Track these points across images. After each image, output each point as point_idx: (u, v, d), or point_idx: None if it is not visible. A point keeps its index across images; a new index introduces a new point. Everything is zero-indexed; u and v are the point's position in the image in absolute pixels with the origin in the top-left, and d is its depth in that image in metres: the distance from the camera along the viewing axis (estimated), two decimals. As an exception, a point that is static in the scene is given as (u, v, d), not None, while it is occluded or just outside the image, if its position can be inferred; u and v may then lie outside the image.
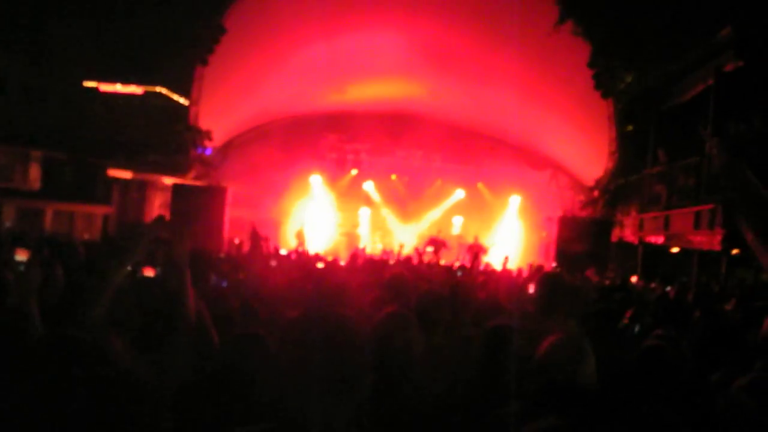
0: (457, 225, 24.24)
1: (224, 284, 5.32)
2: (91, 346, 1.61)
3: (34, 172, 17.51)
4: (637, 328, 4.98)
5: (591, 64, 16.56)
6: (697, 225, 13.45)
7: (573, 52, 16.42)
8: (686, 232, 14.01)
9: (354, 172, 24.71)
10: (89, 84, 24.73)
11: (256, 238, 15.10)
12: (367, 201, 24.58)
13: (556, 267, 16.27)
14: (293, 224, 22.50)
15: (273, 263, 9.62)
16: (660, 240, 15.53)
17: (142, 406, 1.52)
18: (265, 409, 2.43)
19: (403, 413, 2.48)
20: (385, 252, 21.54)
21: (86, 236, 14.99)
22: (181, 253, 2.82)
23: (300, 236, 21.11)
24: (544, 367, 2.46)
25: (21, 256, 3.17)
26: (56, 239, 9.59)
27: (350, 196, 24.54)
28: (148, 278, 3.49)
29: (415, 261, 14.59)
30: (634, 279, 14.13)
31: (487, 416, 2.51)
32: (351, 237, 23.19)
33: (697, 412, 2.70)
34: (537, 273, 11.57)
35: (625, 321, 5.35)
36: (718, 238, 12.28)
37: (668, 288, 10.55)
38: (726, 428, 2.32)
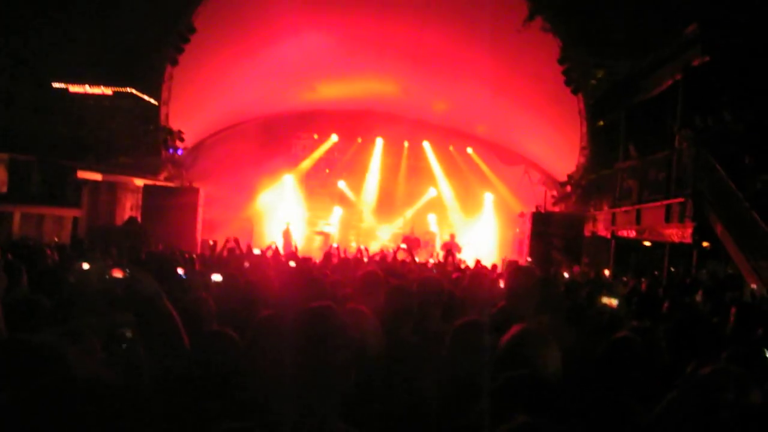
0: (432, 222, 24.27)
1: (185, 277, 5.24)
2: (49, 353, 1.58)
3: (1, 175, 17.18)
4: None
5: (561, 60, 16.67)
6: (668, 218, 13.61)
7: (543, 48, 16.52)
8: (657, 226, 14.17)
9: (327, 171, 24.67)
10: (58, 85, 24.40)
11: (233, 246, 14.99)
12: (341, 199, 24.50)
13: (530, 262, 16.35)
14: (269, 224, 22.32)
15: (246, 264, 9.51)
16: (632, 234, 15.68)
17: (105, 411, 1.48)
18: (242, 406, 2.41)
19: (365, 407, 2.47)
20: (359, 250, 21.46)
21: (56, 239, 14.73)
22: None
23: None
24: (506, 360, 2.45)
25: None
26: (22, 244, 9.46)
27: (323, 194, 24.47)
28: (117, 280, 3.43)
29: (389, 259, 14.53)
30: (606, 272, 14.27)
31: (458, 413, 2.49)
32: (324, 236, 23.08)
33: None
34: (510, 268, 11.61)
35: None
36: (689, 230, 12.44)
37: (641, 280, 10.68)
38: (683, 416, 2.33)
